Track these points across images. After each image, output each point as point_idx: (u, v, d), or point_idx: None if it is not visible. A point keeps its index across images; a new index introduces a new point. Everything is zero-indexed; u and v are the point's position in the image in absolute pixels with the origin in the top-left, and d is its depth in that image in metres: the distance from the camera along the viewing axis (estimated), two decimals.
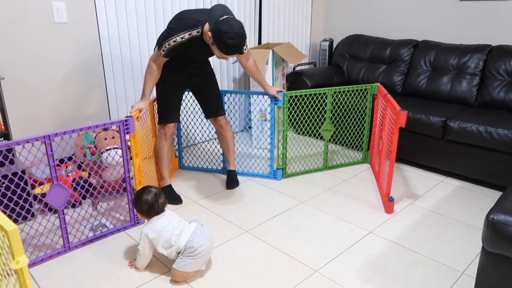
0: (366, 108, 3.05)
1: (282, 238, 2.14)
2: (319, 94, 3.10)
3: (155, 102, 2.63)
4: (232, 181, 2.72)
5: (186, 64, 2.42)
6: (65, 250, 2.00)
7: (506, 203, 1.54)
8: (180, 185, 2.76)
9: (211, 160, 3.19)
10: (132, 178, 2.59)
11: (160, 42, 2.21)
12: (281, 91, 2.65)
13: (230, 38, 2.02)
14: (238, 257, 1.97)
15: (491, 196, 2.60)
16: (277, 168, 2.88)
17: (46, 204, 2.36)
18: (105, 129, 2.34)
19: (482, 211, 2.42)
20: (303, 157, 3.22)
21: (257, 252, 2.02)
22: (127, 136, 2.60)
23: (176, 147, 3.03)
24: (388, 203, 2.38)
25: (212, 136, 3.66)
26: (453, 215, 2.37)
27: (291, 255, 2.00)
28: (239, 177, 2.89)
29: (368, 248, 2.05)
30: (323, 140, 3.55)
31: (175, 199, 2.53)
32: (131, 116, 2.07)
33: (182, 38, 2.15)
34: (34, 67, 2.54)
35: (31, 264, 1.91)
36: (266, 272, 1.86)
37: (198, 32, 2.15)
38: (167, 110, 2.46)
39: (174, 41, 2.15)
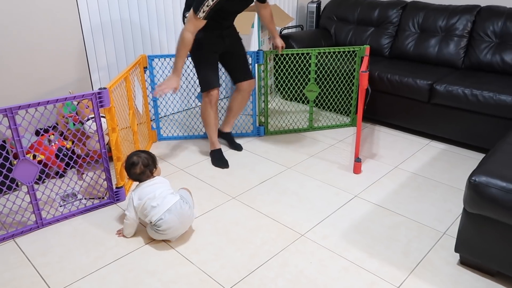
0: (354, 70, 3.02)
1: (269, 203, 2.16)
2: (306, 57, 3.05)
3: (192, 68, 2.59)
4: (237, 144, 2.78)
5: (220, 22, 2.32)
6: (38, 227, 1.95)
7: (488, 165, 1.56)
8: (165, 154, 2.74)
9: (192, 127, 3.17)
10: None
11: (198, 3, 2.05)
12: (283, 47, 2.76)
13: None
14: (226, 223, 1.99)
15: (474, 159, 2.64)
16: (259, 125, 2.96)
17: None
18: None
19: (464, 173, 2.46)
20: (285, 113, 3.20)
21: (244, 218, 2.04)
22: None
23: (153, 118, 2.96)
24: (356, 164, 2.44)
25: (191, 105, 3.60)
26: (437, 177, 2.41)
27: (278, 220, 2.02)
28: (221, 139, 2.94)
29: (353, 212, 2.08)
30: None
31: (222, 163, 2.54)
32: (104, 88, 1.95)
33: None
34: (5, 31, 2.42)
35: (10, 236, 1.91)
36: (253, 237, 1.89)
37: None
38: (209, 75, 2.39)
39: None
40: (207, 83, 2.40)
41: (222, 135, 2.83)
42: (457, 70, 3.04)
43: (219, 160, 2.56)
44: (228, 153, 2.74)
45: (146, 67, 2.72)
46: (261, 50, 2.76)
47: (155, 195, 1.80)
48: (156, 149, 2.80)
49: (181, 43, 2.15)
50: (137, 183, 1.89)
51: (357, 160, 2.43)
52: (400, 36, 3.36)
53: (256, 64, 2.81)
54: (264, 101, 2.93)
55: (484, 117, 2.59)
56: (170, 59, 2.93)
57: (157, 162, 1.94)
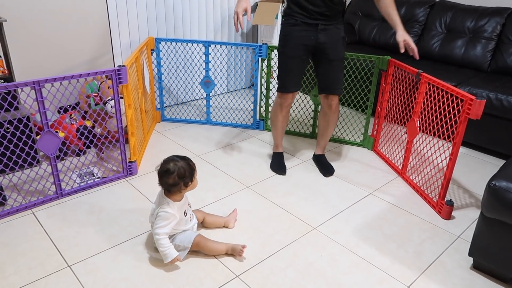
0: (371, 83, 2.57)
1: (283, 195, 2.17)
2: None
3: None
4: (328, 168, 2.38)
5: (306, 6, 1.99)
6: (57, 197, 2.03)
7: (509, 170, 1.53)
8: (184, 139, 2.76)
9: (194, 112, 3.21)
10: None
11: None
12: (408, 44, 2.13)
13: None
14: (239, 211, 2.00)
15: (494, 164, 2.59)
16: (259, 119, 2.96)
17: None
18: (110, 78, 2.30)
19: (483, 178, 2.42)
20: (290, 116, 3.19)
21: (257, 207, 2.05)
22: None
23: (158, 100, 2.99)
24: (446, 208, 1.99)
25: (196, 96, 3.58)
26: (455, 180, 2.38)
27: (291, 211, 2.03)
28: (223, 128, 2.97)
29: (367, 209, 2.07)
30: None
31: (279, 168, 2.35)
32: (123, 66, 2.01)
33: None
34: (36, 9, 2.47)
35: (32, 205, 1.96)
36: (265, 227, 1.90)
37: None
38: (285, 75, 2.12)
39: None
40: (282, 85, 2.16)
41: (313, 157, 2.50)
42: (483, 73, 2.97)
43: (277, 165, 2.37)
44: (243, 143, 2.75)
45: (153, 49, 2.78)
46: (266, 43, 2.63)
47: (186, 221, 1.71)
48: (175, 131, 2.83)
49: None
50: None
51: (449, 203, 1.97)
52: (425, 35, 3.30)
53: (259, 59, 2.79)
54: (265, 96, 2.84)
55: (508, 122, 2.53)
56: (176, 43, 2.97)
57: (195, 174, 1.66)
